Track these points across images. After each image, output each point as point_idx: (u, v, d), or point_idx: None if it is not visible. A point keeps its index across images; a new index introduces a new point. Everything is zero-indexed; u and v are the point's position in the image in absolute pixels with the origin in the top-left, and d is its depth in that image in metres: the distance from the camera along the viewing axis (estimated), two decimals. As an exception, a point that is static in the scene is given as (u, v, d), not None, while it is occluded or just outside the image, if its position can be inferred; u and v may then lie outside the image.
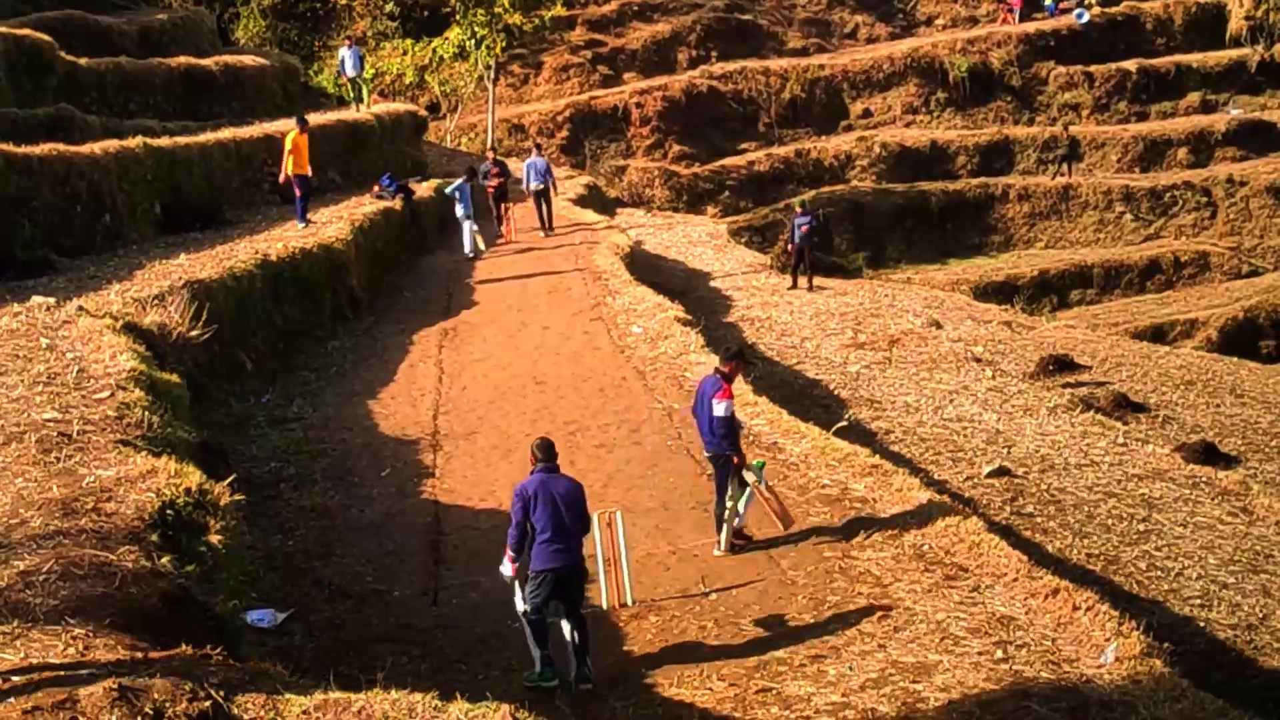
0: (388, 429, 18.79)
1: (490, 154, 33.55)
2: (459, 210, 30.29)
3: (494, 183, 31.79)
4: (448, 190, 30.87)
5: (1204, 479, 18.77)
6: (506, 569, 11.20)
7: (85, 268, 21.26)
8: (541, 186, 31.95)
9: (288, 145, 25.87)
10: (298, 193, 25.99)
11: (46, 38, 27.70)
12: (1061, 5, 56.50)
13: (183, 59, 33.28)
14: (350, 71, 37.09)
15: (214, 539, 11.37)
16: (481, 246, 30.53)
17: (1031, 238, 48.63)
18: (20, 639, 8.48)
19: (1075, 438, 20.18)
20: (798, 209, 32.38)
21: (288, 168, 25.72)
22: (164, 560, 10.17)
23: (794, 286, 30.94)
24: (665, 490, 15.60)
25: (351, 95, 38.03)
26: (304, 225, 25.77)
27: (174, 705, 7.59)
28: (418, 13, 51.28)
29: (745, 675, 10.87)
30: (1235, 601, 14.64)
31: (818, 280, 31.53)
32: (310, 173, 26.27)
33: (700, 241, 38.00)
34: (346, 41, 38.86)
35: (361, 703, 8.07)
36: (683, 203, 47.87)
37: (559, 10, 46.50)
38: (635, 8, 55.49)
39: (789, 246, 31.90)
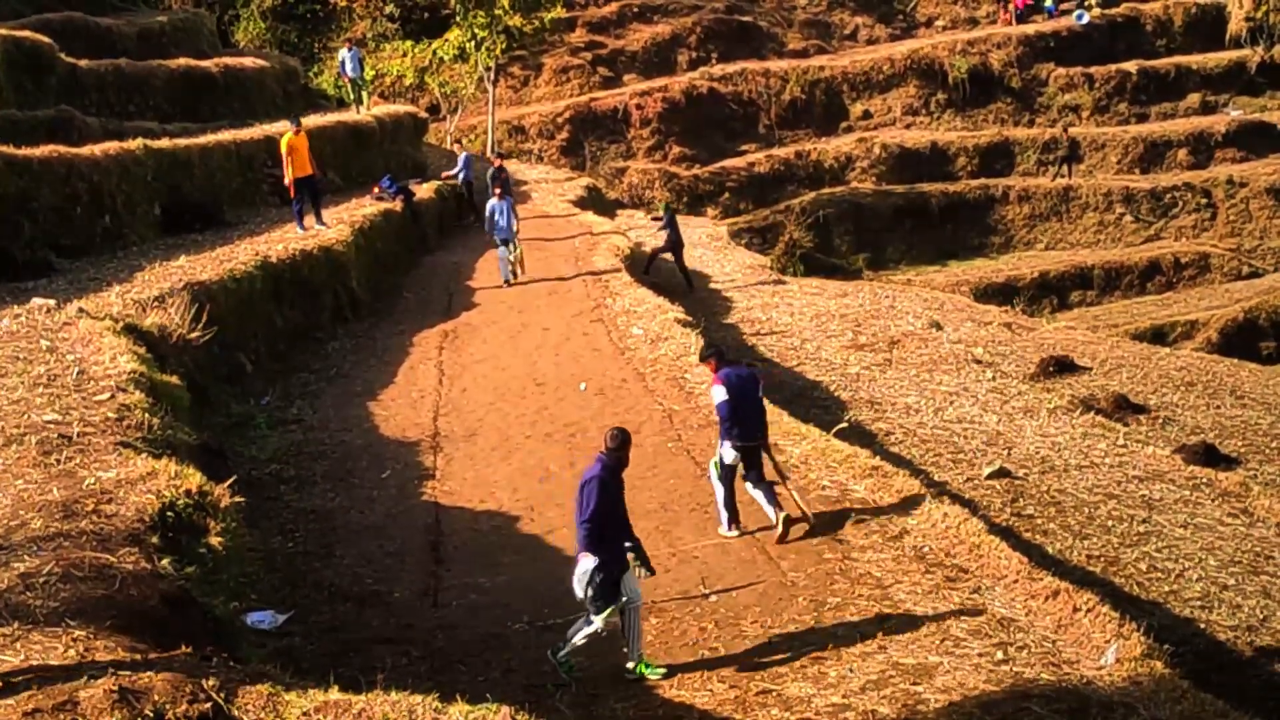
0: (388, 430, 18.79)
1: (497, 159, 33.52)
2: (496, 234, 27.17)
3: (497, 189, 31.91)
4: (488, 222, 27.45)
5: (1204, 480, 18.77)
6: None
7: (85, 269, 21.26)
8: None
9: (283, 148, 25.75)
10: (293, 194, 25.81)
11: (46, 39, 27.69)
12: (1061, 6, 56.55)
13: (183, 60, 33.28)
14: (350, 73, 37.10)
15: (214, 541, 11.36)
16: (514, 276, 27.44)
17: (1032, 239, 48.66)
18: (21, 640, 8.48)
19: (1075, 439, 20.17)
20: (660, 213, 32.71)
21: (289, 172, 25.59)
22: (164, 562, 10.17)
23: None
24: (665, 492, 15.59)
25: (351, 97, 38.04)
26: (304, 230, 25.65)
27: (174, 707, 7.59)
28: (418, 14, 51.32)
29: (745, 677, 10.87)
30: (1236, 603, 14.63)
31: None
32: (314, 172, 26.07)
33: (700, 243, 38.01)
34: (346, 43, 38.86)
35: (362, 704, 8.07)
36: (683, 204, 47.87)
37: (559, 12, 46.54)
38: (635, 9, 55.54)
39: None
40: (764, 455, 14.16)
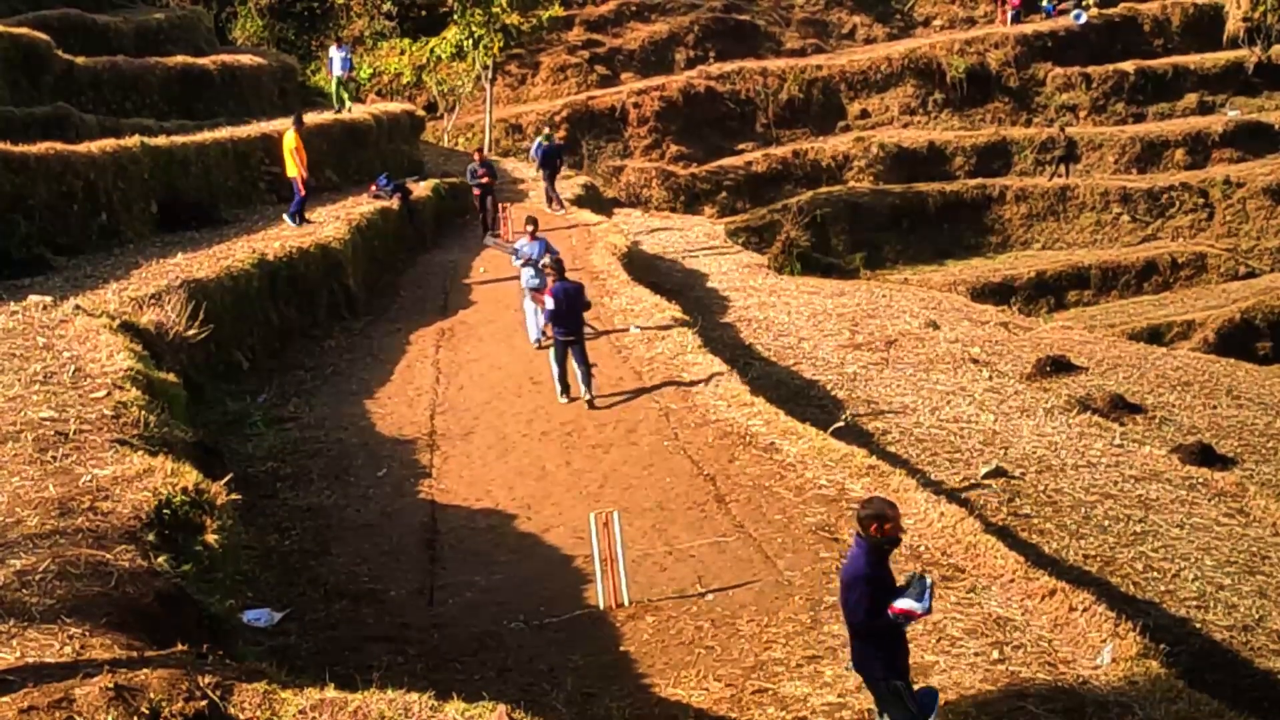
0: (384, 428, 18.78)
1: (478, 154, 33.64)
2: (524, 278, 22.58)
3: (481, 183, 32.10)
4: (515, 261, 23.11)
5: (1200, 480, 18.79)
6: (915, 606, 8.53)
7: (82, 266, 21.23)
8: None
9: (292, 145, 25.80)
10: (303, 193, 25.97)
11: (44, 36, 27.64)
12: (1059, 6, 56.57)
13: (180, 58, 33.23)
14: (337, 71, 36.73)
15: (210, 538, 11.35)
16: (545, 336, 21.74)
17: (1029, 238, 48.68)
18: (16, 638, 8.46)
19: (1072, 439, 20.18)
20: (543, 143, 36.62)
21: (298, 168, 25.75)
22: (160, 559, 10.15)
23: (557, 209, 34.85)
24: (662, 490, 15.60)
25: (337, 95, 37.54)
26: (298, 225, 25.74)
27: (170, 704, 7.58)
28: (415, 12, 51.26)
29: (741, 676, 10.87)
30: (1231, 603, 14.65)
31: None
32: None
33: (697, 242, 38.01)
34: (336, 42, 38.69)
35: (358, 702, 8.06)
36: (680, 203, 47.90)
37: (556, 10, 46.53)
38: (633, 8, 55.52)
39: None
40: (584, 343, 19.10)
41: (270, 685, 8.15)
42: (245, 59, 36.69)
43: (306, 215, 26.34)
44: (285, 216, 26.05)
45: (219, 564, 11.37)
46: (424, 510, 15.60)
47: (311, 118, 32.96)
